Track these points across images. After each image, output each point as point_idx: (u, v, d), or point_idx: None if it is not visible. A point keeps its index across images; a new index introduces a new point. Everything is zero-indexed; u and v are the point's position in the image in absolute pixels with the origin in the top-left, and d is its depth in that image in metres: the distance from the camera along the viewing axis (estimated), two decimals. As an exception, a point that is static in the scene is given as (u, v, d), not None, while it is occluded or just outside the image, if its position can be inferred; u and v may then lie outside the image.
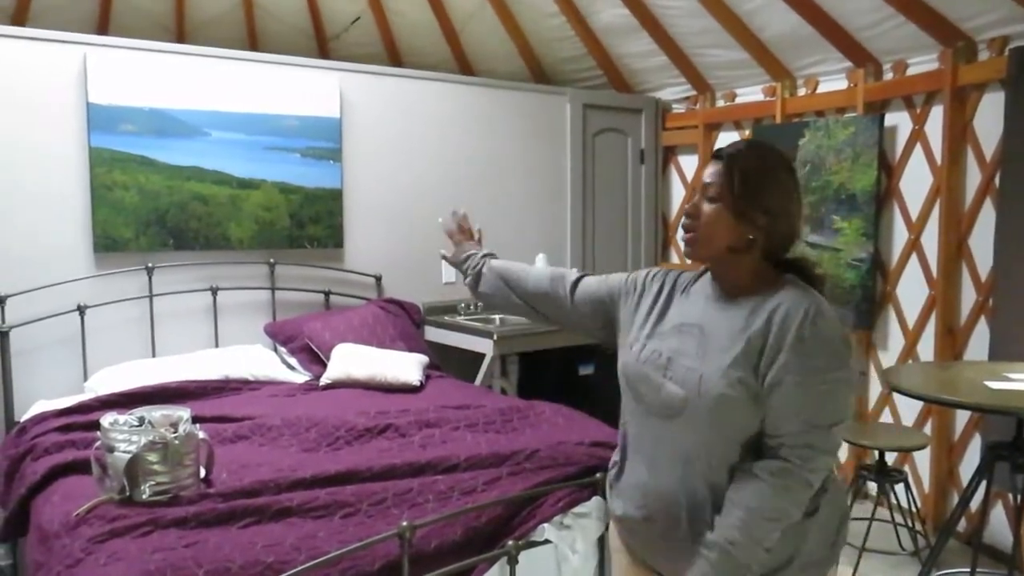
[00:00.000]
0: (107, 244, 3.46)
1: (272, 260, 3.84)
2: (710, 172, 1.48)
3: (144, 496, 2.10)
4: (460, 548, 2.01)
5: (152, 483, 2.11)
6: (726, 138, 4.88)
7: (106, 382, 3.19)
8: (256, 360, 3.52)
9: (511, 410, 2.89)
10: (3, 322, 3.19)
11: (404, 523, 1.86)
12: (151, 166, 3.57)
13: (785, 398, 1.38)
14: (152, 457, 2.12)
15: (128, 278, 3.51)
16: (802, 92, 4.44)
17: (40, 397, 3.25)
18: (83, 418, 2.78)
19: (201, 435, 2.24)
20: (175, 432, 2.20)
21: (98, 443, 2.20)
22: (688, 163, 5.12)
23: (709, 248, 1.48)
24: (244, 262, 3.79)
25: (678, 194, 5.21)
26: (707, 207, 1.46)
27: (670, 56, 4.70)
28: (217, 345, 3.68)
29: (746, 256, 1.46)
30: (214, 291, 3.68)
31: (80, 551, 1.87)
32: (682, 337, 1.52)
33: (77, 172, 3.41)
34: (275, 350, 3.74)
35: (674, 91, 5.07)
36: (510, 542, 2.01)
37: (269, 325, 3.77)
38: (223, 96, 3.73)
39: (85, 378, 3.34)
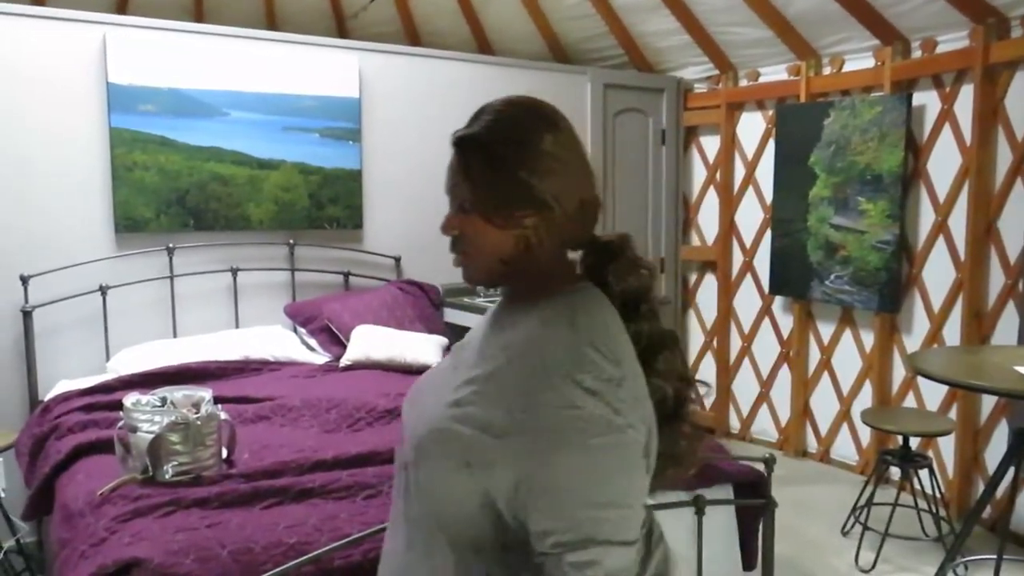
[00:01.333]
0: (128, 225, 3.46)
1: (291, 241, 3.84)
2: (449, 169, 1.07)
3: (167, 476, 2.11)
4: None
5: (175, 463, 2.12)
6: (749, 118, 4.82)
7: (128, 362, 3.21)
8: (276, 341, 3.53)
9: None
10: (26, 302, 3.20)
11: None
12: (171, 146, 3.56)
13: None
14: (174, 437, 2.13)
15: (149, 259, 3.52)
16: (827, 71, 4.36)
17: (63, 377, 3.27)
18: (105, 398, 2.80)
19: (223, 416, 2.25)
20: (197, 413, 2.21)
21: (121, 423, 2.21)
22: (710, 144, 5.05)
23: (480, 269, 1.07)
24: (264, 243, 3.79)
25: (700, 175, 5.15)
26: (459, 219, 1.05)
27: (692, 35, 4.62)
28: (237, 326, 3.69)
29: (533, 259, 1.04)
30: (234, 272, 3.68)
31: (104, 530, 1.89)
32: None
33: (97, 153, 3.42)
34: (295, 331, 3.74)
35: (696, 70, 4.99)
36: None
37: (289, 306, 3.77)
38: (242, 76, 3.71)
39: (107, 358, 3.36)
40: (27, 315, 3.20)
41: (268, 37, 3.86)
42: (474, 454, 0.95)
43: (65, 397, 2.87)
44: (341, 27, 4.56)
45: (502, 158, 1.02)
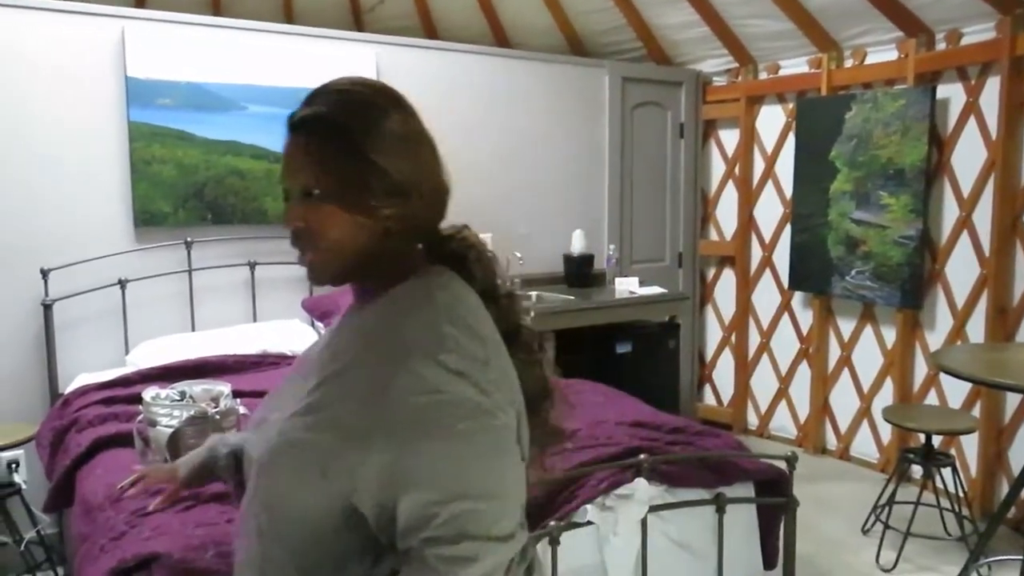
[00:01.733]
0: (146, 218, 3.47)
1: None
2: (288, 155, 0.96)
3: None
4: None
5: (194, 457, 2.12)
6: (769, 112, 4.77)
7: (146, 355, 3.22)
8: (294, 335, 3.53)
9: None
10: (47, 295, 3.22)
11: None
12: (189, 140, 3.56)
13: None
14: (193, 432, 2.12)
15: (167, 252, 3.53)
16: (849, 63, 4.30)
17: (82, 370, 3.28)
18: (125, 391, 2.81)
19: (242, 410, 2.25)
20: (216, 407, 2.21)
21: (140, 417, 2.21)
22: (729, 137, 5.00)
23: (333, 265, 0.96)
24: (282, 236, 3.71)
25: (718, 169, 5.10)
26: (305, 209, 0.94)
27: (711, 27, 4.57)
28: (255, 320, 3.69)
29: (388, 251, 0.97)
30: (252, 266, 3.68)
31: (123, 524, 1.89)
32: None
33: (116, 147, 3.42)
34: (312, 325, 3.74)
35: (715, 63, 4.94)
36: (552, 523, 1.99)
37: (306, 300, 3.77)
38: (260, 70, 3.70)
39: (126, 351, 3.37)
40: (47, 308, 3.21)
41: (285, 30, 3.85)
42: (330, 460, 0.86)
43: (84, 390, 2.88)
44: (358, 20, 4.55)
45: (354, 140, 0.93)
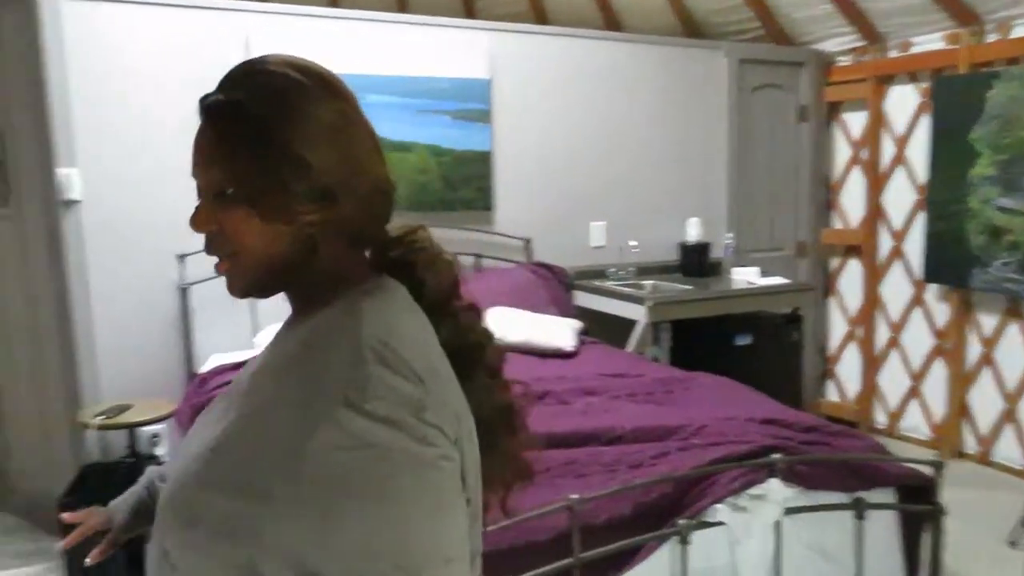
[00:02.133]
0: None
1: (424, 223, 3.86)
2: (198, 145, 0.83)
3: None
4: (629, 524, 1.94)
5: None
6: (899, 92, 4.48)
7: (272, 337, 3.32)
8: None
9: (671, 380, 2.78)
10: (183, 279, 3.37)
11: (575, 495, 1.81)
12: (310, 131, 3.66)
13: None
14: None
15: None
16: (991, 38, 3.98)
17: (215, 351, 3.43)
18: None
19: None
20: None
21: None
22: (854, 120, 4.73)
23: (247, 276, 0.83)
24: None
25: (843, 154, 4.84)
26: (215, 210, 0.81)
27: (836, 3, 4.33)
28: (373, 307, 3.76)
29: (315, 261, 0.83)
30: (371, 253, 3.75)
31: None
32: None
33: (244, 137, 3.54)
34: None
35: (839, 42, 4.68)
36: (681, 521, 1.92)
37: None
38: (376, 60, 3.76)
39: (254, 333, 3.49)
40: (183, 291, 3.37)
41: (400, 20, 3.91)
42: (233, 523, 0.73)
43: (220, 370, 3.00)
44: (470, 8, 4.55)
45: (271, 129, 0.78)
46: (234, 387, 0.91)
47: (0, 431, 3.60)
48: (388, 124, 3.79)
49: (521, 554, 1.83)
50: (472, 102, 3.96)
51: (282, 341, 0.87)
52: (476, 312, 0.91)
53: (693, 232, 4.40)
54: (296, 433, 0.72)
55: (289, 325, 0.88)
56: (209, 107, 0.81)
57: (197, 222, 0.82)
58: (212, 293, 3.46)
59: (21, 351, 3.48)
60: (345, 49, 3.69)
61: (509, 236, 4.09)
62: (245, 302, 3.46)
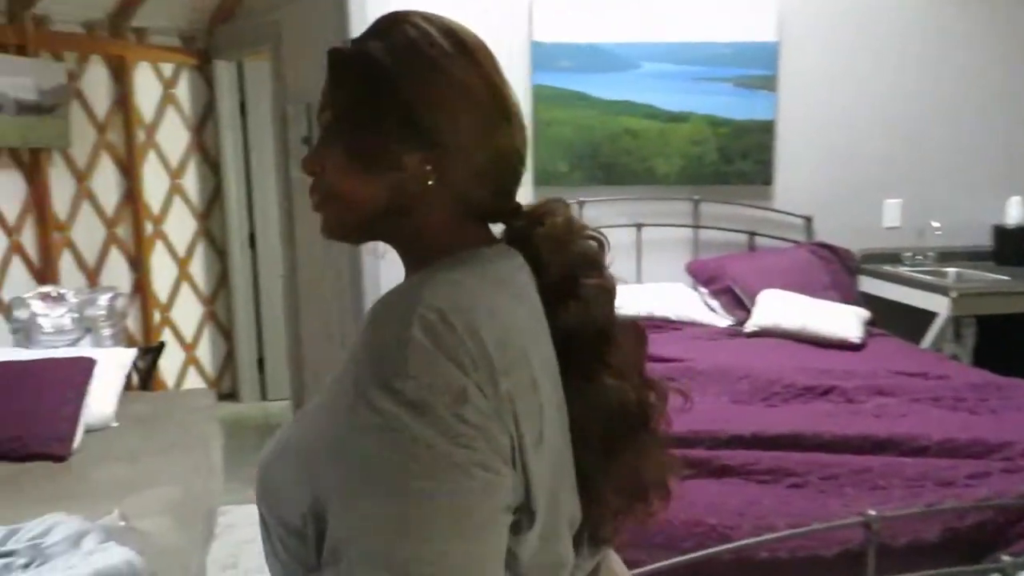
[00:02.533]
0: (545, 178, 3.62)
1: (697, 197, 3.70)
2: (322, 93, 0.82)
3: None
4: (935, 551, 1.69)
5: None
6: None
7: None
8: (678, 299, 3.45)
9: (987, 386, 2.39)
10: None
11: (872, 511, 1.61)
12: (585, 101, 3.64)
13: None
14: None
15: (562, 211, 3.66)
16: None
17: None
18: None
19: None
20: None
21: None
22: None
23: (338, 220, 0.81)
24: (668, 198, 3.71)
25: None
26: (323, 152, 0.80)
27: None
28: (640, 281, 3.68)
29: (415, 220, 0.79)
30: (639, 227, 3.67)
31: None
32: None
33: (522, 109, 3.60)
34: (695, 289, 3.62)
35: None
36: (1005, 557, 1.63)
37: (691, 264, 3.66)
38: (655, 26, 3.64)
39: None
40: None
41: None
42: (299, 471, 0.73)
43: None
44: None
45: (394, 83, 0.75)
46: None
47: (300, 376, 4.05)
48: (663, 94, 3.67)
49: (803, 565, 1.67)
50: (756, 68, 3.68)
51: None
52: (608, 295, 0.79)
53: (1015, 213, 3.76)
54: (337, 409, 0.69)
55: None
56: (338, 54, 0.80)
57: (305, 162, 0.81)
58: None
59: (322, 313, 3.81)
60: (623, 17, 3.62)
61: (788, 213, 3.78)
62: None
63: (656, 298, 3.43)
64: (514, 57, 3.56)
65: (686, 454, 1.98)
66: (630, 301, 2.87)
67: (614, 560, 0.91)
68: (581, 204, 3.62)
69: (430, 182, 0.76)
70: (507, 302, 0.72)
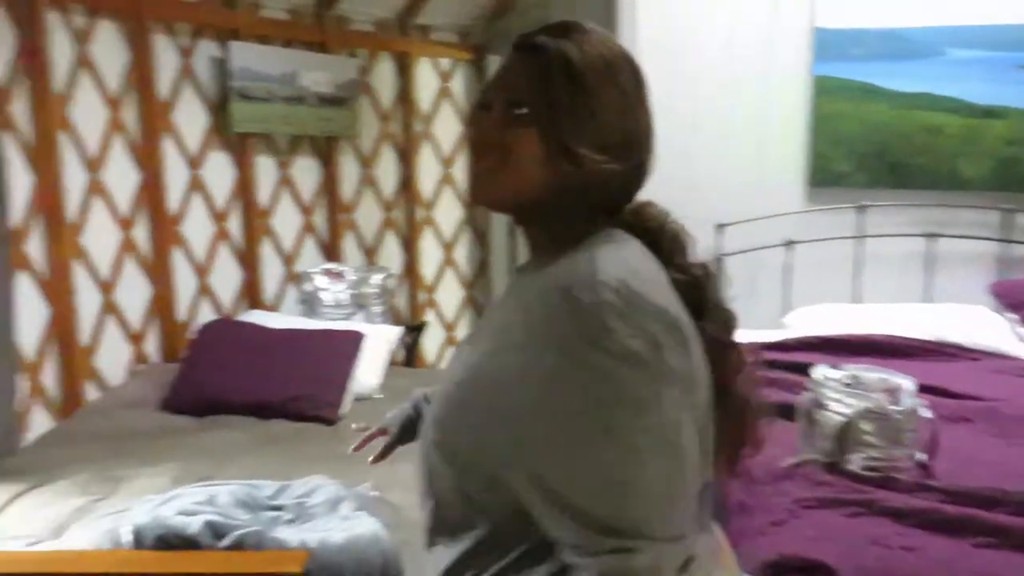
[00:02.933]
0: (821, 179, 3.32)
1: (1009, 206, 3.16)
2: (509, 71, 0.89)
3: (853, 467, 1.88)
4: None
5: (864, 455, 1.88)
6: None
7: (804, 321, 3.10)
8: (977, 324, 2.96)
9: None
10: (720, 249, 3.34)
11: None
12: (875, 94, 3.27)
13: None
14: (867, 427, 1.89)
15: (838, 215, 3.33)
16: None
17: (741, 327, 3.33)
18: (783, 356, 2.72)
19: (927, 414, 1.90)
20: (893, 401, 1.91)
21: (808, 394, 2.05)
22: None
23: (505, 192, 0.88)
24: (972, 206, 3.22)
25: None
26: (505, 121, 0.87)
27: None
28: (930, 300, 3.23)
29: (566, 207, 0.89)
30: (931, 237, 3.22)
31: (785, 511, 1.76)
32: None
33: (797, 102, 3.33)
34: (1000, 314, 3.10)
35: None
36: None
37: (996, 284, 3.14)
38: (963, 5, 3.17)
39: (783, 314, 3.30)
40: (719, 261, 3.34)
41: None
42: (482, 445, 0.84)
43: (747, 348, 2.88)
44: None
45: (591, 83, 0.86)
46: (482, 324, 1.03)
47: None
48: (972, 84, 3.20)
49: None
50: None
51: (526, 284, 0.91)
52: (711, 275, 0.91)
53: None
54: (546, 370, 0.78)
55: (530, 270, 0.93)
56: (534, 45, 0.89)
57: (489, 129, 0.88)
58: (746, 266, 3.38)
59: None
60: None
61: None
62: (779, 279, 3.30)
63: (948, 321, 2.97)
64: (793, 45, 3.29)
65: (987, 517, 1.67)
66: (915, 321, 2.52)
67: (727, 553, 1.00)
68: (863, 208, 3.25)
69: (592, 177, 0.86)
70: (656, 270, 0.86)
